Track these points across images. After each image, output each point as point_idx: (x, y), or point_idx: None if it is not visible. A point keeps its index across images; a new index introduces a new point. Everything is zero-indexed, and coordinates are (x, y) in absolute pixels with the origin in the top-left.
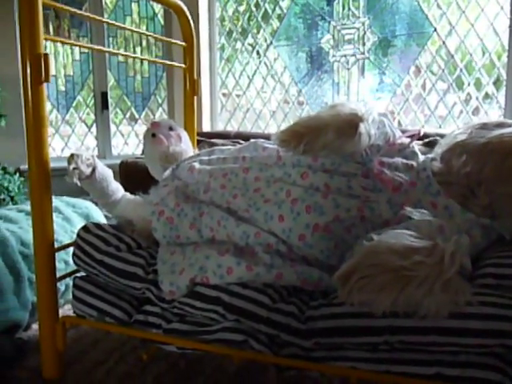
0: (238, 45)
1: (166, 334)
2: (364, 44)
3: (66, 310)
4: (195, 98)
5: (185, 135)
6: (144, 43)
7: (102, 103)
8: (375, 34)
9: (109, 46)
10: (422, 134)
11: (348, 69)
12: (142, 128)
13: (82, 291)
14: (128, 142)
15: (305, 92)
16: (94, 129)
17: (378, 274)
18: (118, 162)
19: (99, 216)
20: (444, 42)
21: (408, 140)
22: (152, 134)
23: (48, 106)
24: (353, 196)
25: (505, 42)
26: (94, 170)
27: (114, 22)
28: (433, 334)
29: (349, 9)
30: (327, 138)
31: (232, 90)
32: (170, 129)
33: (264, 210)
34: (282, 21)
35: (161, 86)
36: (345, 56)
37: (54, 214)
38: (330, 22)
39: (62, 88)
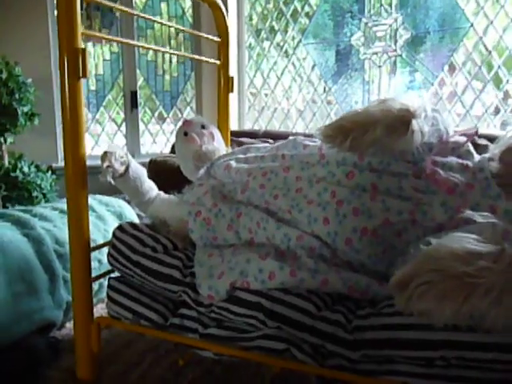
0: (266, 44)
1: (202, 339)
2: (396, 41)
3: (98, 309)
4: (229, 95)
5: (217, 133)
6: (173, 43)
7: (132, 102)
8: (408, 31)
9: (138, 46)
10: (478, 133)
11: (379, 66)
12: (170, 127)
13: (116, 292)
14: (156, 141)
15: (334, 91)
16: (123, 127)
17: (439, 280)
18: (147, 160)
19: (132, 215)
20: (481, 38)
21: (463, 138)
22: (184, 133)
23: None
24: (403, 198)
25: None
26: (127, 168)
27: (154, 18)
28: (495, 351)
29: (380, 5)
30: (376, 134)
31: (260, 89)
32: (203, 127)
33: (307, 212)
34: (311, 18)
35: (189, 85)
36: (376, 53)
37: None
38: (360, 19)
39: (93, 87)
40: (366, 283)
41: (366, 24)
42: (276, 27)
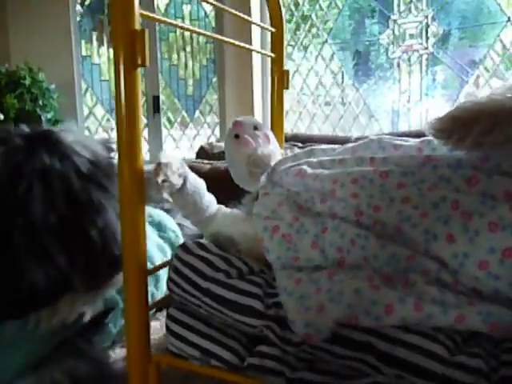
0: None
1: None
2: (427, 38)
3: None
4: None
5: (272, 135)
6: (192, 46)
7: (154, 107)
8: (440, 27)
9: (161, 49)
10: None
11: (410, 65)
12: (192, 132)
13: (179, 325)
14: (179, 146)
15: (362, 91)
16: (145, 133)
17: None
18: None
19: (172, 225)
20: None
21: None
22: (235, 135)
23: (101, 111)
24: None
25: None
26: (184, 180)
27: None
28: None
29: (410, 1)
30: None
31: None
32: (255, 128)
33: (423, 227)
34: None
35: (211, 89)
36: (406, 52)
37: None
38: (389, 17)
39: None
40: (511, 318)
41: (395, 22)
42: (300, 29)
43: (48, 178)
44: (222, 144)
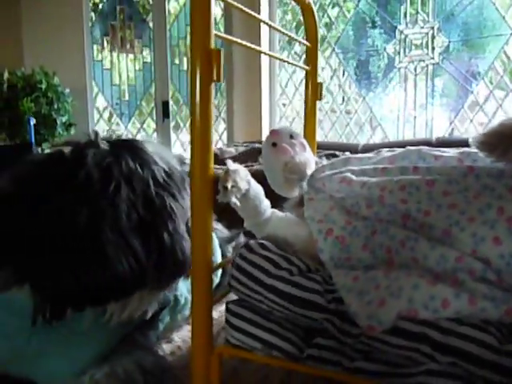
0: (285, 53)
1: (348, 373)
2: (433, 49)
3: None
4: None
5: (306, 143)
6: None
7: (163, 112)
8: (446, 38)
9: (171, 56)
10: None
11: (416, 75)
12: None
13: (238, 318)
14: (187, 150)
15: (368, 99)
16: (153, 137)
17: None
18: None
19: None
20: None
21: None
22: (272, 143)
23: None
24: None
25: None
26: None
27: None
28: None
29: (417, 12)
30: None
31: (292, 98)
32: (291, 137)
33: (470, 231)
34: (337, 29)
35: (219, 94)
36: (412, 62)
37: None
38: (396, 27)
39: (124, 98)
40: None
41: (402, 32)
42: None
43: (132, 181)
44: (232, 149)
